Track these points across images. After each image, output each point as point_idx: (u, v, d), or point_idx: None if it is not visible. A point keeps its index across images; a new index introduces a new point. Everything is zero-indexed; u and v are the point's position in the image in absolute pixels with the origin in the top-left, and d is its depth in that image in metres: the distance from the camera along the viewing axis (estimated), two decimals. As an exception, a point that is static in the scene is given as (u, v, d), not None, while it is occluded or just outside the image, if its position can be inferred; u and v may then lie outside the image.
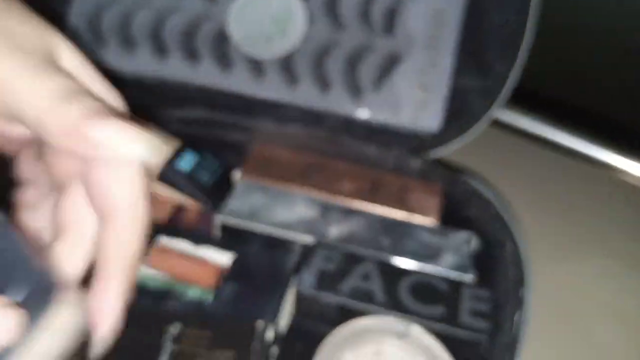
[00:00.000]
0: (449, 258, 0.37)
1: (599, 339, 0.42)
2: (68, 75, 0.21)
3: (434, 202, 0.40)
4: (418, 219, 0.39)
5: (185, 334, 0.31)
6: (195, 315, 0.32)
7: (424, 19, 0.43)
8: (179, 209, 0.45)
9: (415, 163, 0.42)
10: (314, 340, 0.32)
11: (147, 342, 0.31)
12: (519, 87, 0.41)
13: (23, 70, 0.20)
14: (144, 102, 0.44)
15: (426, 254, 0.37)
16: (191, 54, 0.44)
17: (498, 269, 0.36)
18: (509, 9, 0.41)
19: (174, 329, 0.31)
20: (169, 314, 0.32)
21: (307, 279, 0.34)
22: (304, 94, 0.44)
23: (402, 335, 0.32)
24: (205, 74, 0.44)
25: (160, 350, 0.30)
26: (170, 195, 0.44)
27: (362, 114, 0.44)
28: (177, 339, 0.31)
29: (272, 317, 0.33)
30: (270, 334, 0.32)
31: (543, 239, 0.43)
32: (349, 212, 0.39)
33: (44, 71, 0.20)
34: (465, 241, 0.38)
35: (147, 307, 0.33)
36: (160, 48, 0.44)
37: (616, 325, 0.43)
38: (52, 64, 0.21)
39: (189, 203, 0.44)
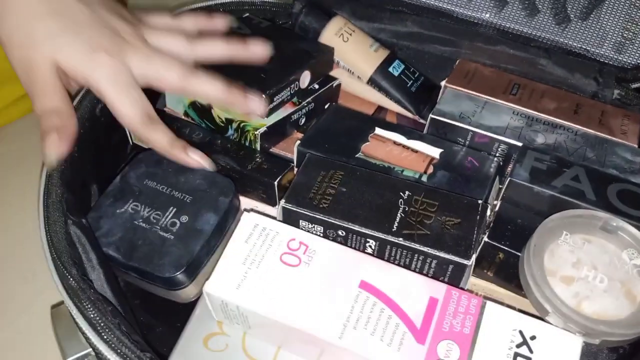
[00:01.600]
0: (653, 175, 0.39)
1: None
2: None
3: (634, 128, 0.42)
4: (619, 141, 0.41)
5: (415, 200, 0.36)
6: (421, 187, 0.37)
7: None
8: (379, 109, 0.49)
9: (617, 91, 0.44)
10: (523, 225, 0.36)
11: (384, 201, 0.36)
12: None
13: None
14: (361, 14, 0.49)
15: (630, 169, 0.39)
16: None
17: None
18: None
19: (404, 194, 0.36)
20: (399, 182, 0.37)
21: (521, 172, 0.37)
22: (512, 16, 0.46)
23: (612, 230, 0.34)
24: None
25: (396, 210, 0.35)
26: (374, 99, 0.49)
27: (567, 41, 0.46)
28: (408, 202, 0.36)
29: (486, 199, 0.37)
30: (488, 212, 0.36)
31: None
32: (554, 126, 0.42)
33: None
34: (670, 163, 0.39)
35: (379, 175, 0.38)
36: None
37: None
38: None
39: (391, 106, 0.49)
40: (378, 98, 0.49)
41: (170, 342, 0.34)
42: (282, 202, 0.35)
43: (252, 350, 0.34)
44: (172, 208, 0.36)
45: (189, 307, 0.36)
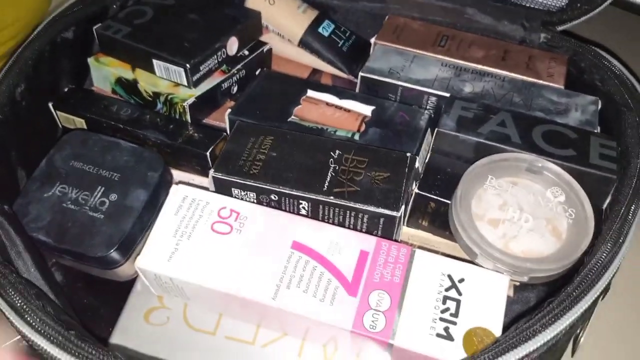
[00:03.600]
0: (576, 115, 0.40)
1: None
2: None
3: (560, 69, 0.43)
4: (546, 84, 0.42)
5: (345, 158, 0.36)
6: (351, 145, 0.37)
7: None
8: (314, 72, 0.49)
9: (543, 35, 0.45)
10: (453, 175, 0.37)
11: (315, 162, 0.36)
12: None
13: None
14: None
15: (556, 110, 0.40)
16: None
17: (624, 124, 0.38)
18: None
19: (335, 153, 0.36)
20: (329, 141, 0.37)
21: (447, 122, 0.38)
22: (436, -31, 0.46)
23: (537, 170, 0.35)
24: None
25: (327, 169, 0.35)
26: (308, 61, 0.48)
27: (492, -12, 0.46)
28: (338, 161, 0.36)
29: (417, 151, 0.38)
30: (417, 165, 0.36)
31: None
32: (482, 74, 0.43)
33: None
34: (592, 102, 0.40)
35: (309, 137, 0.37)
36: None
37: None
38: None
39: (325, 67, 0.49)
40: (311, 60, 0.49)
41: (115, 321, 0.34)
42: (212, 171, 0.35)
43: (193, 321, 0.34)
44: (100, 187, 0.36)
45: (131, 285, 0.36)
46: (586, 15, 0.45)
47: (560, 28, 0.46)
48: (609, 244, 0.31)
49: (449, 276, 0.31)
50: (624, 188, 0.34)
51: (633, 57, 0.46)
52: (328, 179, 0.35)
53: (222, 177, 0.35)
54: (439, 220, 0.37)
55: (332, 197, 0.34)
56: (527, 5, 0.46)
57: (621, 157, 0.36)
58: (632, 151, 0.36)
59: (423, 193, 0.36)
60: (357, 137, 0.39)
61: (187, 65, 0.40)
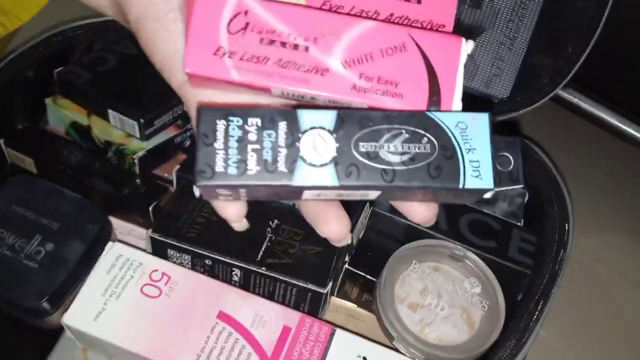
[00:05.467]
0: (504, 205, 0.42)
1: (616, 307, 0.47)
2: None
3: (495, 158, 0.46)
4: (480, 171, 0.45)
5: (282, 229, 0.38)
6: (290, 215, 0.39)
7: (510, -4, 0.47)
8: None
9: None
10: (383, 252, 0.39)
11: (252, 230, 0.37)
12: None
13: None
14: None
15: (484, 200, 0.43)
16: None
17: (545, 221, 0.41)
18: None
19: (273, 223, 0.38)
20: (270, 210, 0.39)
21: (382, 202, 0.40)
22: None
23: (459, 259, 0.38)
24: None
25: (263, 239, 0.37)
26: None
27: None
28: (275, 231, 0.37)
29: (351, 227, 0.40)
30: (350, 240, 0.38)
31: (584, 206, 0.48)
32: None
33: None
34: (519, 194, 0.43)
35: (251, 203, 0.39)
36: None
37: (634, 294, 0.48)
38: None
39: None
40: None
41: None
42: (150, 231, 0.36)
43: (115, 377, 0.35)
44: (38, 235, 0.36)
45: (59, 332, 0.36)
46: (525, 108, 0.48)
47: (500, 118, 0.49)
48: (512, 341, 0.33)
49: (364, 358, 0.33)
50: (536, 285, 0.37)
51: (562, 151, 0.49)
52: (263, 248, 0.36)
53: (159, 238, 0.36)
54: (367, 295, 0.39)
55: (264, 268, 0.36)
56: (472, 93, 0.49)
57: (538, 253, 0.39)
58: (548, 249, 0.39)
59: (353, 269, 0.38)
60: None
61: (141, 120, 0.41)
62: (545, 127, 0.52)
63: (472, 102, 0.48)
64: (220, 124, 0.21)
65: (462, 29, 0.48)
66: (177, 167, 0.42)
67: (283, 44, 0.22)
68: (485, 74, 0.48)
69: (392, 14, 0.25)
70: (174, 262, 0.36)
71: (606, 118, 0.52)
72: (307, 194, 0.23)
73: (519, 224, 0.41)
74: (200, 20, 0.22)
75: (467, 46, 0.24)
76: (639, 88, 0.58)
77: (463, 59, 0.24)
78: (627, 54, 0.59)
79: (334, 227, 0.25)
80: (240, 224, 0.26)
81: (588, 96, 0.53)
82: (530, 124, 0.49)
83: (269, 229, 0.38)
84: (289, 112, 0.22)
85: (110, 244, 0.35)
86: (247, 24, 0.22)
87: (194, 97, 0.24)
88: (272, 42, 0.22)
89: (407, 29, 0.23)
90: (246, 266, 0.36)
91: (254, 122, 0.21)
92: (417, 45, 0.23)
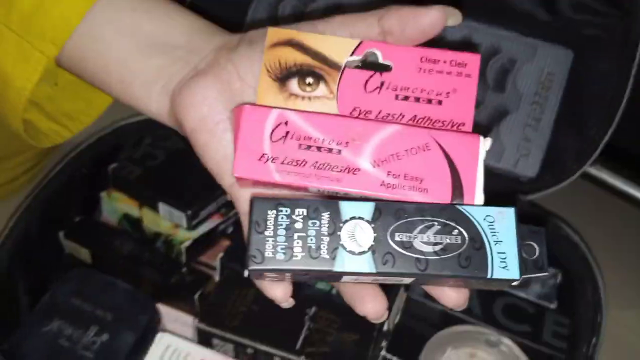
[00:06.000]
0: (537, 288, 0.43)
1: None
2: None
3: (526, 238, 0.47)
4: (511, 251, 0.46)
5: (320, 316, 0.39)
6: (327, 302, 0.41)
7: (532, 79, 0.50)
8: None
9: (513, 203, 0.49)
10: (418, 338, 0.40)
11: (291, 318, 0.39)
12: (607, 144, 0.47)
13: None
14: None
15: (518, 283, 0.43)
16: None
17: (578, 302, 0.42)
18: (610, 79, 0.47)
19: (311, 310, 0.40)
20: (307, 297, 0.41)
21: (417, 288, 0.41)
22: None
23: (494, 344, 0.38)
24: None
25: (302, 327, 0.39)
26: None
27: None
28: (313, 318, 0.39)
29: (388, 305, 0.41)
30: (385, 327, 0.40)
31: (615, 284, 0.48)
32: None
33: None
34: (552, 275, 0.44)
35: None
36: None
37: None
38: None
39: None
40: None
41: None
42: (197, 321, 0.39)
43: None
44: (94, 326, 0.39)
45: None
46: (554, 186, 0.50)
47: (528, 197, 0.50)
48: None
49: None
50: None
51: (594, 230, 0.50)
52: (302, 336, 0.38)
53: (205, 328, 0.38)
54: (403, 381, 0.40)
55: (302, 357, 0.37)
56: (499, 173, 0.50)
57: (572, 336, 0.39)
58: (582, 333, 0.39)
59: (390, 356, 0.39)
60: (335, 290, 0.43)
61: (189, 212, 0.44)
62: (575, 203, 0.53)
63: (502, 181, 0.50)
64: (271, 214, 0.23)
65: (488, 113, 0.50)
66: (221, 254, 0.44)
67: (318, 149, 0.25)
68: (512, 155, 0.50)
69: (415, 116, 0.27)
70: (218, 351, 0.38)
71: (633, 193, 0.53)
72: (346, 278, 0.25)
73: (552, 305, 0.42)
74: (246, 130, 0.24)
75: (485, 143, 0.26)
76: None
77: (482, 155, 0.26)
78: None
79: (371, 306, 0.27)
80: (287, 303, 0.28)
81: (615, 171, 0.54)
82: (559, 201, 0.50)
83: (306, 316, 0.39)
84: (331, 203, 0.24)
85: (159, 334, 0.37)
86: (287, 132, 0.25)
87: (242, 196, 0.26)
88: (309, 147, 0.25)
89: (429, 130, 0.25)
90: (287, 355, 0.37)
91: (300, 212, 0.24)
92: (439, 144, 0.26)
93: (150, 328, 0.40)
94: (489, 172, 0.50)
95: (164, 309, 0.43)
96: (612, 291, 0.45)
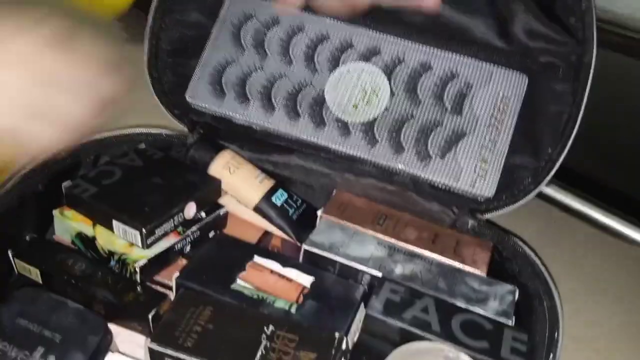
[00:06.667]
0: (495, 304, 0.43)
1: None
2: None
3: (484, 256, 0.48)
4: (470, 269, 0.46)
5: (277, 335, 0.39)
6: (285, 320, 0.40)
7: (488, 103, 0.51)
8: (266, 234, 0.53)
9: (471, 222, 0.50)
10: (377, 356, 0.39)
11: (247, 337, 0.38)
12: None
13: None
14: (250, 147, 0.54)
15: (476, 298, 0.44)
16: (293, 111, 0.53)
17: (535, 318, 0.42)
18: (564, 102, 0.49)
19: (268, 329, 0.39)
20: (265, 316, 0.40)
21: (376, 305, 0.41)
22: (380, 154, 0.52)
23: (452, 360, 0.38)
24: (302, 129, 0.53)
25: (258, 346, 0.38)
26: (261, 224, 0.52)
27: (428, 176, 0.51)
28: (270, 337, 0.38)
29: (346, 331, 0.40)
30: (344, 345, 0.39)
31: (572, 301, 0.49)
32: (412, 256, 0.47)
33: None
34: (510, 292, 0.44)
35: (246, 309, 0.40)
36: (268, 104, 0.54)
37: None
38: None
39: (276, 231, 0.53)
40: (266, 224, 0.53)
41: None
42: (149, 342, 0.37)
43: None
44: (40, 348, 0.37)
45: None
46: (511, 206, 0.51)
47: (486, 216, 0.51)
48: None
49: None
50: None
51: (551, 248, 0.51)
52: (258, 356, 0.37)
53: (157, 349, 0.37)
54: (362, 401, 0.39)
55: (259, 376, 0.36)
56: (458, 193, 0.51)
57: (530, 352, 0.39)
58: (539, 349, 0.39)
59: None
60: (294, 309, 0.42)
61: (143, 230, 0.43)
62: (531, 222, 0.54)
63: (459, 202, 0.51)
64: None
65: (446, 135, 0.51)
66: (177, 274, 0.43)
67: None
68: (470, 176, 0.51)
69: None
70: (172, 372, 0.37)
71: (589, 213, 0.54)
72: None
73: (510, 322, 0.42)
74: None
75: None
76: (622, 182, 0.60)
77: None
78: (608, 151, 0.62)
79: None
80: None
81: (570, 192, 0.56)
82: (516, 220, 0.51)
83: (263, 335, 0.39)
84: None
85: (109, 355, 0.36)
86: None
87: None
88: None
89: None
90: (241, 374, 0.36)
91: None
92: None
93: (101, 349, 0.38)
94: (448, 192, 0.51)
95: (116, 330, 0.42)
96: (569, 308, 0.46)
